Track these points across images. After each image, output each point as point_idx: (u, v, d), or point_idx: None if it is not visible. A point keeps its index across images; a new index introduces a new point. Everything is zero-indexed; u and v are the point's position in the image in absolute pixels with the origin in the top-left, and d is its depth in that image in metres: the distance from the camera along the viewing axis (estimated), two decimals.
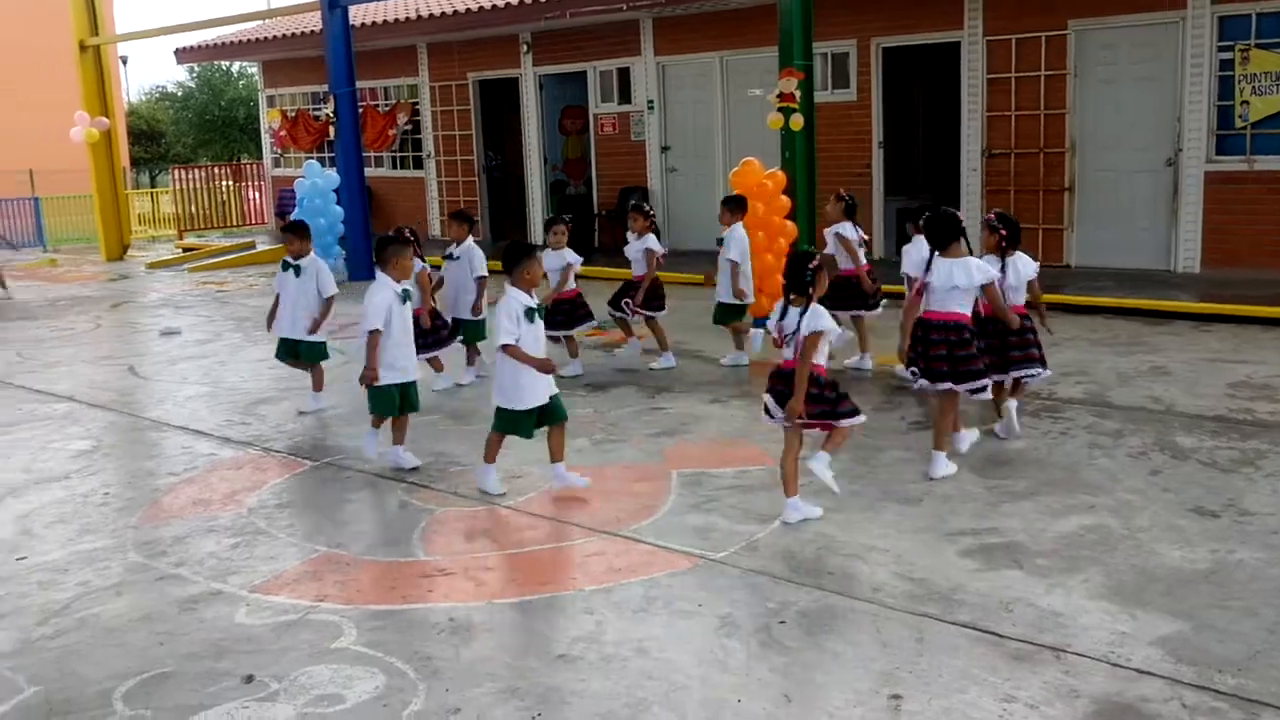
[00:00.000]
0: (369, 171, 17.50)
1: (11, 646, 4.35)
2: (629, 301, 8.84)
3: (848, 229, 8.55)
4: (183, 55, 23.21)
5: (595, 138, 17.40)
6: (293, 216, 15.34)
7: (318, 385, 8.01)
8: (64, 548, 5.47)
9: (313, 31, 18.88)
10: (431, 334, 8.13)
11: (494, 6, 16.84)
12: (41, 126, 31.97)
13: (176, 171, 24.32)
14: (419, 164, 19.99)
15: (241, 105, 42.18)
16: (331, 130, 15.94)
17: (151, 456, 7.19)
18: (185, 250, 20.54)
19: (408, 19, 18.37)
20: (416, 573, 4.93)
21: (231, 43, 22.00)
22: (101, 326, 12.49)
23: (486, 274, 8.47)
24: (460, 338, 8.55)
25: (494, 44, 18.13)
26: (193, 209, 23.89)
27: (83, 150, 19.75)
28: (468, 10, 17.22)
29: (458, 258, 8.47)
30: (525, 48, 17.77)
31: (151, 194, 30.42)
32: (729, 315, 8.94)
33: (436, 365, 8.36)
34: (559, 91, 18.17)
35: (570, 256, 8.60)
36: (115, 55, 26.61)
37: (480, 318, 8.47)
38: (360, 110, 16.59)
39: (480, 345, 8.66)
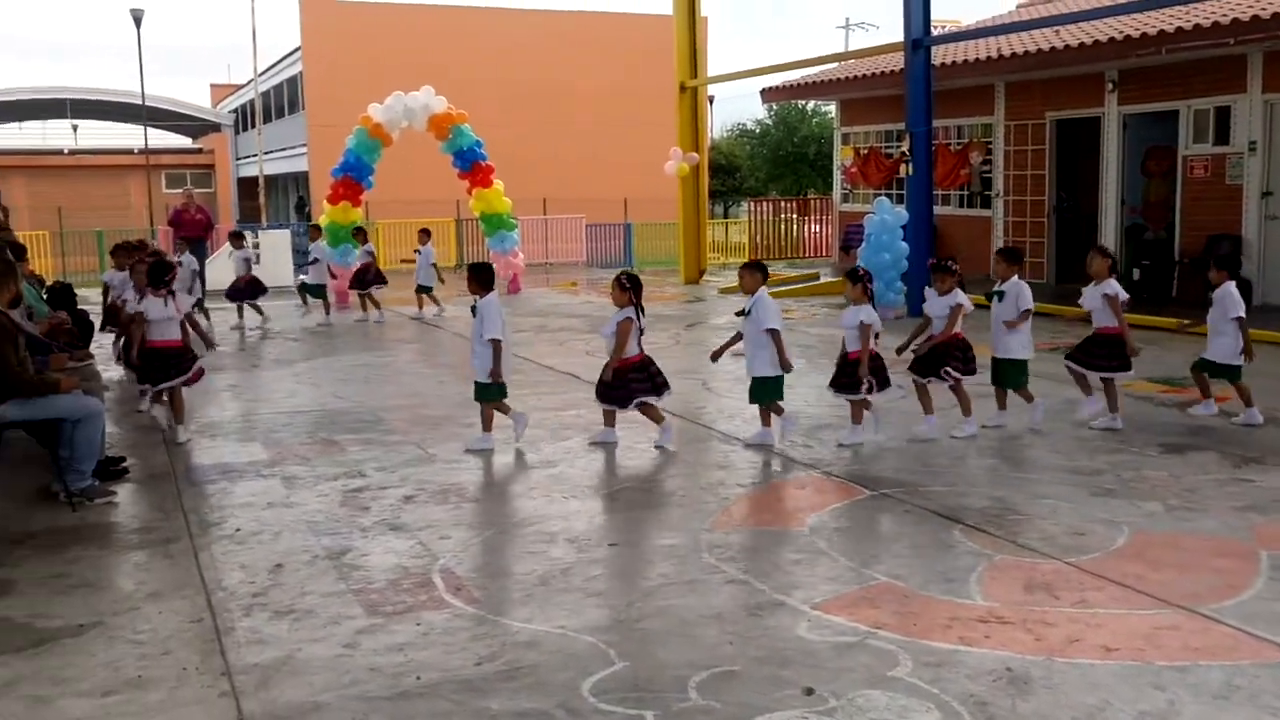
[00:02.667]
0: (936, 209, 17.56)
1: (605, 622, 4.88)
2: (950, 370, 8.20)
3: (1115, 286, 8.36)
4: (767, 95, 24.71)
5: (1183, 180, 16.17)
6: (859, 251, 15.81)
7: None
8: (647, 540, 6.05)
9: (891, 71, 19.32)
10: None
11: (1081, 44, 16.26)
12: (634, 159, 35.57)
13: (751, 204, 25.93)
14: (986, 203, 19.73)
15: (813, 142, 44.10)
16: (902, 168, 16.21)
17: (721, 467, 7.72)
18: None
19: (989, 58, 18.26)
20: (973, 616, 4.88)
21: (812, 83, 23.10)
22: (679, 343, 13.64)
23: (778, 328, 8.04)
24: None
25: (1076, 82, 17.47)
26: (759, 239, 25.39)
27: (669, 181, 21.66)
28: (1052, 49, 16.76)
29: (747, 312, 8.17)
30: (1110, 86, 16.93)
31: (724, 224, 32.69)
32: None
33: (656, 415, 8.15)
34: (1144, 131, 17.11)
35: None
36: (705, 95, 28.98)
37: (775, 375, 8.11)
38: (932, 148, 16.70)
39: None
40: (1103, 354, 8.43)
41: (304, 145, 39.58)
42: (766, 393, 8.17)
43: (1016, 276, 8.50)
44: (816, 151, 43.32)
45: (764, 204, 27.29)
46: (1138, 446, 7.88)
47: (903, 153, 16.12)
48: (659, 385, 8.17)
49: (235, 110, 50.68)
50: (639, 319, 8.05)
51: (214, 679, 4.37)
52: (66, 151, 50.91)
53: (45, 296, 10.83)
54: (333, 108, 33.77)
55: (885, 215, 15.42)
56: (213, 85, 62.02)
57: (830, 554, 5.75)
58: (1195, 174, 15.97)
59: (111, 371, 11.12)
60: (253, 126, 41.38)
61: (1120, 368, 8.42)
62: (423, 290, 16.71)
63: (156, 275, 8.49)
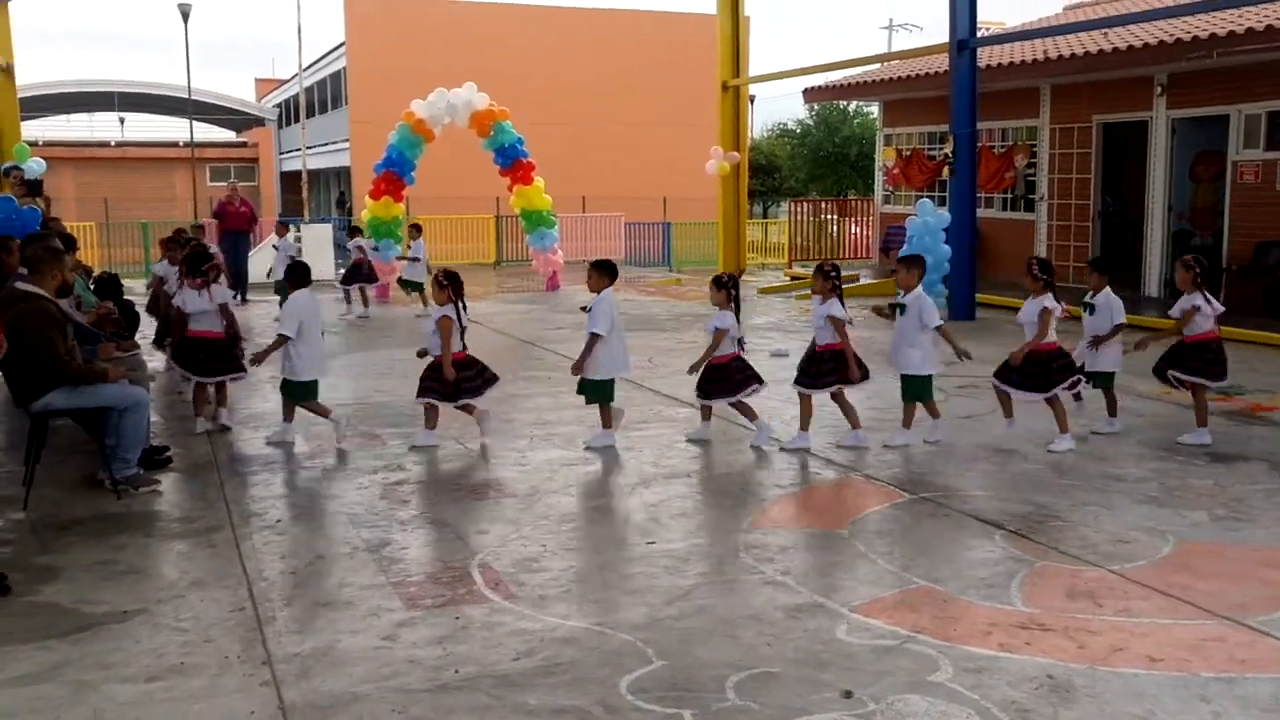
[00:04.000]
0: (979, 212, 17.40)
1: (643, 620, 4.88)
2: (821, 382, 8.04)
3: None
4: (809, 95, 24.61)
5: (1232, 186, 15.94)
6: (901, 253, 15.71)
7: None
8: (685, 539, 6.04)
9: (935, 73, 19.20)
10: None
11: (1130, 47, 16.07)
12: (674, 158, 35.57)
13: (791, 205, 25.83)
14: (1030, 206, 19.56)
15: (854, 143, 43.86)
16: (945, 170, 16.10)
17: (760, 468, 7.69)
18: (793, 279, 21.75)
19: (1035, 61, 18.10)
20: (1014, 622, 4.83)
21: (855, 83, 22.98)
22: None
23: (600, 333, 8.09)
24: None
25: (1123, 85, 17.27)
26: (799, 240, 25.31)
27: (708, 180, 21.59)
28: (1100, 51, 16.57)
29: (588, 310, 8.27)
30: (1159, 89, 16.72)
31: (763, 224, 32.61)
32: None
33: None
34: (1192, 136, 16.89)
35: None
36: (746, 95, 28.91)
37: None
38: (976, 151, 16.56)
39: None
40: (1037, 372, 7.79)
41: (346, 140, 39.87)
42: (592, 392, 8.21)
43: (920, 288, 8.09)
44: (858, 152, 43.10)
45: (804, 204, 27.18)
46: (1183, 455, 7.78)
47: (946, 155, 15.99)
48: (486, 381, 8.25)
49: (279, 105, 51.12)
50: (460, 317, 8.07)
51: (255, 668, 4.41)
52: (113, 144, 51.54)
53: (92, 287, 10.97)
54: (375, 103, 34.01)
55: (927, 217, 15.33)
56: (257, 80, 62.63)
57: (869, 557, 5.71)
58: (1245, 179, 15.73)
59: (156, 362, 11.23)
60: (296, 121, 41.72)
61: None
62: (411, 286, 16.75)
63: (194, 265, 8.55)
